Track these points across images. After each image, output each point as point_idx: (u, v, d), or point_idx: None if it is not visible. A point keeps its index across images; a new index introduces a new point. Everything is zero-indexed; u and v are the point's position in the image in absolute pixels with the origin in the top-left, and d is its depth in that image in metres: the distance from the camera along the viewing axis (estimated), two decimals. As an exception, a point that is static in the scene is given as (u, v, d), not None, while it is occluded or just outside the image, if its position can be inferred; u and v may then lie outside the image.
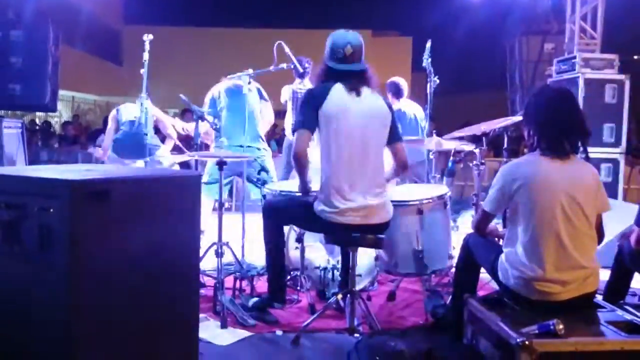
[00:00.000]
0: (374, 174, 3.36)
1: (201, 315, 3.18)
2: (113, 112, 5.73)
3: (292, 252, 4.15)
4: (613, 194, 6.45)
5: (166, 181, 2.67)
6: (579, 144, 2.82)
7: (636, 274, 3.41)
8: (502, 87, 12.67)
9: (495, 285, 3.10)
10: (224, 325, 3.48)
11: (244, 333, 3.44)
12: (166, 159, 5.59)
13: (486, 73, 16.12)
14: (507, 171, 2.83)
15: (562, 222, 2.68)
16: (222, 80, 5.07)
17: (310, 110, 3.35)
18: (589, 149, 2.88)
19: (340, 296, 3.53)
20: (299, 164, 3.38)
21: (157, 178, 2.72)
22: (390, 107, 3.51)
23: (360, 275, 3.88)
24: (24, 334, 2.26)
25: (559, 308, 2.62)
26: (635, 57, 14.46)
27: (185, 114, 8.32)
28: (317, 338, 3.39)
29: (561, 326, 2.31)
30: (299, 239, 3.98)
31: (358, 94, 3.35)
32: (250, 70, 4.66)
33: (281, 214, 3.66)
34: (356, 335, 3.32)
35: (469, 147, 4.28)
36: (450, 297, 3.48)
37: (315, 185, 3.49)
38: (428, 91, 4.87)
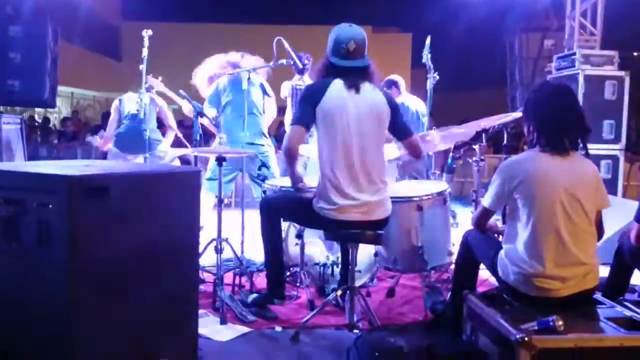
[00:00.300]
0: (373, 170, 3.35)
1: (200, 311, 3.17)
2: (116, 102, 5.70)
3: (292, 248, 4.15)
4: (613, 191, 6.45)
5: (165, 177, 2.66)
6: (579, 140, 2.82)
7: (636, 271, 3.41)
8: (501, 83, 12.65)
9: (494, 282, 3.10)
10: (223, 321, 3.48)
11: (243, 329, 3.44)
12: (167, 154, 5.58)
13: (486, 70, 16.11)
14: (507, 167, 2.83)
15: (561, 219, 2.68)
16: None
17: (307, 107, 3.34)
18: (589, 146, 2.87)
19: (339, 292, 3.54)
20: (289, 157, 3.38)
21: (156, 174, 2.72)
22: (392, 101, 3.49)
23: (359, 272, 3.88)
24: (22, 330, 2.26)
25: (559, 304, 2.62)
26: (635, 53, 14.43)
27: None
28: (316, 334, 3.39)
29: (561, 322, 2.30)
30: (299, 235, 3.98)
31: (357, 90, 3.33)
32: (251, 65, 4.65)
33: (280, 211, 3.66)
34: (355, 331, 3.32)
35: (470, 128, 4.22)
36: (450, 293, 3.47)
37: (314, 181, 3.48)
38: (428, 87, 4.87)
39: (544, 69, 9.70)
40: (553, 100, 2.81)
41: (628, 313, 2.58)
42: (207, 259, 4.17)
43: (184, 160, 5.98)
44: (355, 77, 3.36)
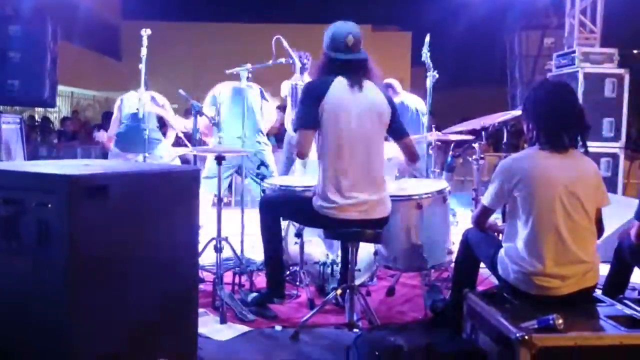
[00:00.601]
0: (373, 169, 3.34)
1: (200, 310, 3.17)
2: (118, 102, 5.71)
3: (292, 247, 4.15)
4: (612, 189, 6.44)
5: (165, 176, 2.66)
6: (579, 138, 2.82)
7: (636, 269, 3.41)
8: (501, 82, 12.63)
9: (494, 280, 3.10)
10: (223, 321, 3.48)
11: (243, 328, 3.44)
12: (168, 154, 5.59)
13: (486, 68, 16.09)
14: (507, 166, 2.83)
15: (561, 217, 2.68)
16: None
17: (310, 106, 3.31)
18: (589, 144, 2.87)
19: (339, 291, 3.54)
20: (302, 159, 3.39)
21: (155, 173, 2.72)
22: (391, 102, 3.49)
23: (359, 270, 3.88)
24: (21, 329, 2.26)
25: (559, 303, 2.62)
26: (635, 51, 14.42)
27: (188, 115, 8.28)
28: (316, 333, 3.39)
29: (561, 321, 2.30)
30: (298, 234, 3.98)
31: (360, 88, 3.33)
32: (249, 65, 4.64)
33: (280, 209, 3.66)
34: (355, 330, 3.32)
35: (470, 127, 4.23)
36: (450, 292, 3.47)
37: (313, 180, 3.48)
38: (427, 86, 4.86)
39: (544, 67, 9.68)
40: (552, 98, 2.81)
41: (628, 311, 2.58)
42: (207, 258, 4.16)
43: (184, 159, 5.98)
44: (357, 72, 3.35)
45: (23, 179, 2.31)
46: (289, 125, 5.63)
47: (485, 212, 2.98)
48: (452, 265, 3.69)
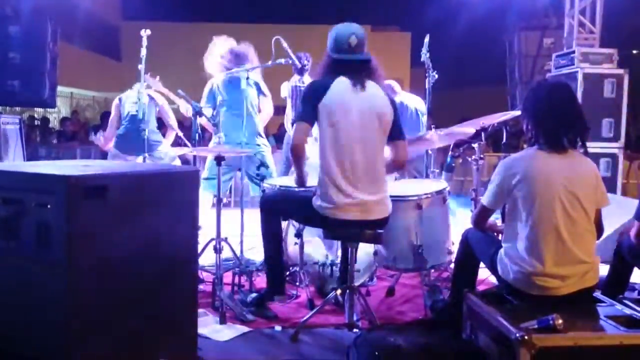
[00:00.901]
0: (373, 169, 3.34)
1: (200, 311, 3.17)
2: (116, 101, 5.68)
3: (291, 247, 4.15)
4: (612, 189, 6.44)
5: (164, 177, 2.66)
6: (578, 138, 2.82)
7: (635, 269, 3.41)
8: (501, 82, 12.66)
9: (494, 280, 3.10)
10: (222, 321, 3.48)
11: (242, 328, 3.44)
12: (168, 154, 5.58)
13: (485, 68, 16.11)
14: (506, 166, 2.83)
15: (561, 217, 2.68)
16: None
17: (309, 104, 3.32)
18: (588, 144, 2.87)
19: (339, 291, 3.53)
20: (296, 155, 3.36)
21: (155, 174, 2.72)
22: (393, 102, 3.48)
23: (359, 271, 3.88)
24: (21, 329, 2.26)
25: (559, 303, 2.62)
26: (635, 51, 14.45)
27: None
28: (316, 333, 3.38)
29: (560, 321, 2.30)
30: (298, 235, 3.98)
31: (363, 88, 3.32)
32: (248, 65, 4.64)
33: (279, 209, 3.66)
34: (355, 330, 3.32)
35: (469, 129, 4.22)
36: (450, 292, 3.47)
37: (313, 180, 3.48)
38: (427, 86, 4.86)
39: (543, 67, 9.70)
40: (551, 98, 2.81)
41: (628, 311, 2.58)
42: (207, 258, 4.16)
43: (184, 159, 5.97)
44: (360, 73, 3.35)
45: (22, 179, 2.31)
46: (288, 126, 5.63)
47: (485, 212, 2.98)
48: (452, 265, 3.69)
